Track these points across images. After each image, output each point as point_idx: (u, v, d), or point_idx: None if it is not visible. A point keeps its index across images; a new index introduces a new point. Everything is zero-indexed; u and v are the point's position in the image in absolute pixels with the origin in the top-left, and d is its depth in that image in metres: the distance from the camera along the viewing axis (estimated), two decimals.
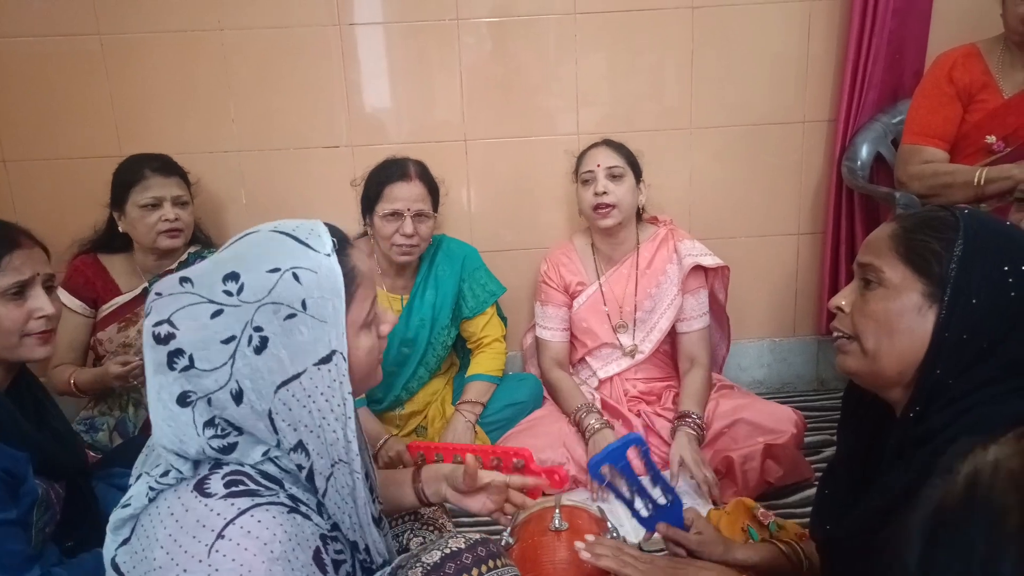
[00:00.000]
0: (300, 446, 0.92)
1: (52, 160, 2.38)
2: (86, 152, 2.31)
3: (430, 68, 2.41)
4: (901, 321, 0.96)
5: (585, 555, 1.14)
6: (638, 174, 2.21)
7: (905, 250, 0.97)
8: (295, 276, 0.90)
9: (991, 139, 1.99)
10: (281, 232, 0.95)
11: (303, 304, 0.90)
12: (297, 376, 0.90)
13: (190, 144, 2.39)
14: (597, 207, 2.14)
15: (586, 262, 2.31)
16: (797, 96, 2.46)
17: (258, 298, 0.89)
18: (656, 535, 1.34)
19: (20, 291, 1.31)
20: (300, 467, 0.93)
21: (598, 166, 2.15)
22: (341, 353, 0.93)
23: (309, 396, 0.91)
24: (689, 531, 1.31)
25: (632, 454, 1.31)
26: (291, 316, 0.89)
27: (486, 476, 1.23)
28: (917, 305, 0.95)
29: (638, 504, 1.34)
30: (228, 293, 0.90)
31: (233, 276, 0.90)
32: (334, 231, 0.98)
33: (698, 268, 2.20)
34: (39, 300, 1.34)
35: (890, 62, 2.32)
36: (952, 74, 2.04)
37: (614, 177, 2.15)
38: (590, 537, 1.20)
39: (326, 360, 0.92)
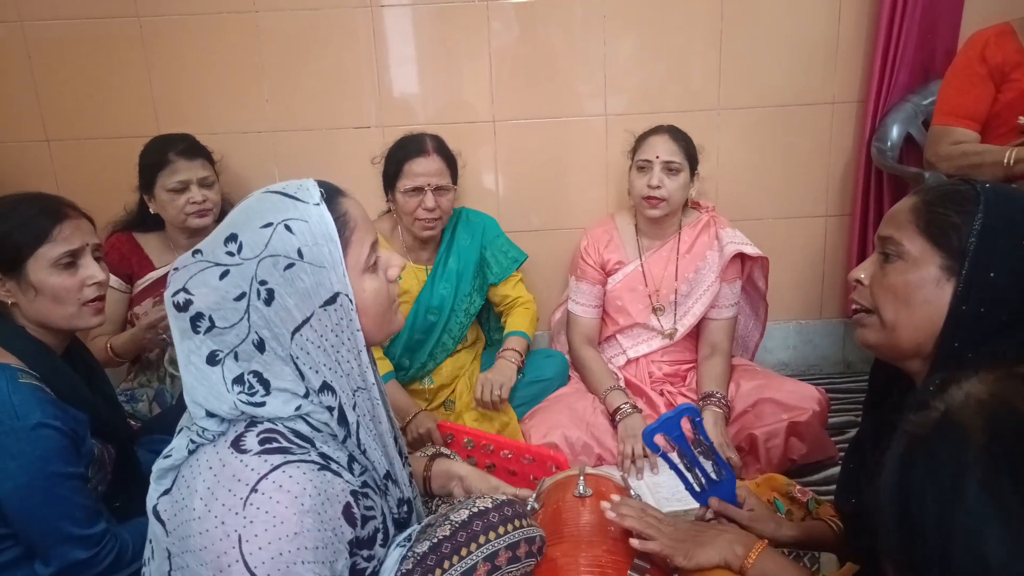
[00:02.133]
0: (325, 386, 0.98)
1: (93, 139, 2.46)
2: (125, 131, 2.37)
3: (459, 49, 2.44)
4: (919, 294, 0.97)
5: (610, 514, 1.17)
6: (694, 167, 2.19)
7: (925, 223, 0.98)
8: (287, 227, 0.96)
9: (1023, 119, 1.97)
10: (271, 191, 1.01)
11: (299, 253, 0.95)
12: (307, 320, 0.96)
13: (225, 124, 2.45)
14: (648, 198, 2.15)
15: (627, 240, 2.31)
16: (826, 77, 2.45)
17: (256, 254, 0.95)
18: (709, 510, 1.35)
19: (72, 260, 1.37)
20: (331, 409, 0.99)
21: (656, 157, 2.13)
22: (345, 294, 0.98)
23: (322, 336, 0.97)
24: (742, 507, 1.33)
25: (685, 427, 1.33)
26: (290, 266, 0.95)
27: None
28: (935, 278, 0.96)
29: (691, 477, 1.36)
30: (230, 254, 0.96)
31: (232, 237, 0.96)
32: (323, 184, 1.03)
33: (736, 258, 2.20)
34: (90, 268, 1.40)
35: (922, 42, 2.31)
36: (985, 53, 2.01)
37: (670, 171, 2.13)
38: (616, 497, 1.23)
39: (331, 301, 0.97)
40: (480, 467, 1.99)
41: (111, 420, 1.47)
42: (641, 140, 2.22)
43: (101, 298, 1.43)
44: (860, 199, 2.46)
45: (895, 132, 2.34)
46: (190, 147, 2.16)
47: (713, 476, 1.35)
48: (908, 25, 2.28)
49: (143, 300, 2.20)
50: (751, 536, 1.17)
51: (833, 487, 1.94)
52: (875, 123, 2.38)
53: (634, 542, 1.15)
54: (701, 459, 1.34)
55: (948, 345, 0.96)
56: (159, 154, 2.13)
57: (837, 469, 2.04)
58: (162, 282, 2.19)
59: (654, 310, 2.27)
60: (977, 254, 0.93)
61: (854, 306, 1.08)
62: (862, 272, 1.06)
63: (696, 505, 1.40)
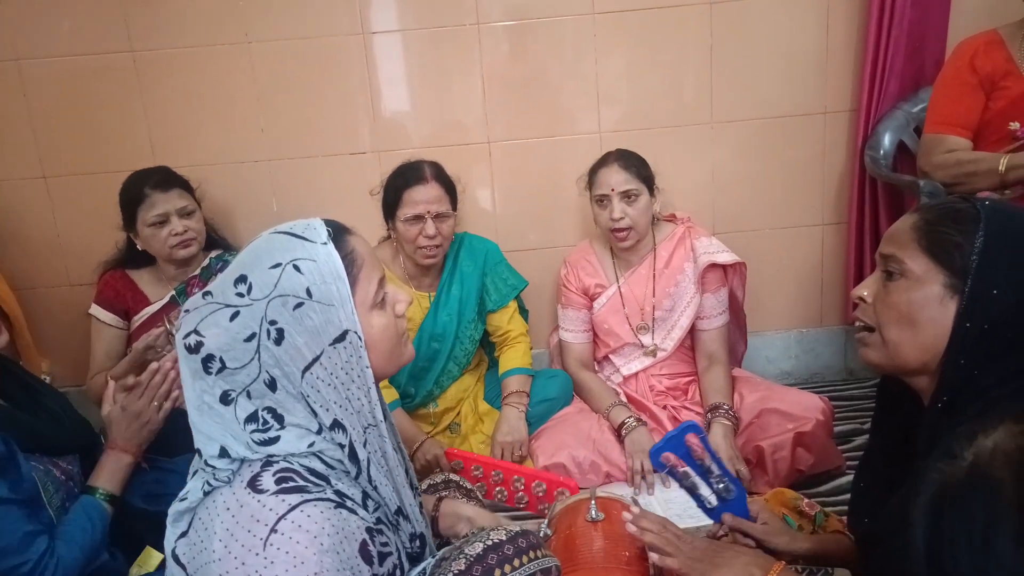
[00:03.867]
0: (336, 424, 0.99)
1: (90, 175, 2.46)
2: (122, 166, 2.36)
3: (452, 72, 2.45)
4: (923, 312, 0.98)
5: (631, 528, 1.17)
6: (651, 186, 2.20)
7: (927, 242, 0.99)
8: (296, 267, 0.97)
9: (1015, 126, 1.98)
10: (279, 232, 1.02)
11: (308, 292, 0.96)
12: (317, 358, 0.97)
13: (222, 154, 2.46)
14: (615, 231, 2.16)
15: (605, 264, 2.33)
16: (818, 87, 2.47)
17: (266, 294, 0.96)
18: (722, 526, 1.35)
19: None
20: (341, 446, 1.00)
21: (612, 190, 2.14)
22: (354, 331, 0.99)
23: (331, 374, 0.98)
24: (755, 521, 1.33)
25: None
26: (299, 305, 0.96)
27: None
28: (939, 296, 0.97)
29: (703, 492, 1.36)
30: (240, 295, 0.97)
31: (242, 279, 0.98)
32: (330, 223, 1.04)
33: (717, 267, 2.20)
34: None
35: (910, 51, 2.32)
36: (974, 62, 2.03)
37: (628, 198, 2.14)
38: (636, 509, 1.23)
39: (340, 339, 0.98)
40: (490, 493, 1.99)
41: (55, 435, 1.45)
42: (593, 174, 2.23)
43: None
44: (856, 207, 2.47)
45: (887, 140, 2.36)
46: (164, 179, 2.16)
47: (723, 492, 1.35)
48: (896, 34, 2.30)
49: (141, 335, 2.19)
50: (768, 557, 1.17)
51: (842, 497, 1.96)
52: (867, 132, 2.40)
53: (653, 557, 1.15)
54: (709, 475, 1.34)
55: (954, 362, 0.97)
56: (135, 190, 2.14)
57: (845, 479, 2.04)
58: (158, 316, 2.21)
59: (639, 329, 2.27)
60: (980, 272, 0.94)
61: (857, 323, 1.08)
62: (865, 290, 1.07)
63: (709, 521, 1.40)
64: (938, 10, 2.31)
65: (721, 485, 1.34)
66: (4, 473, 1.29)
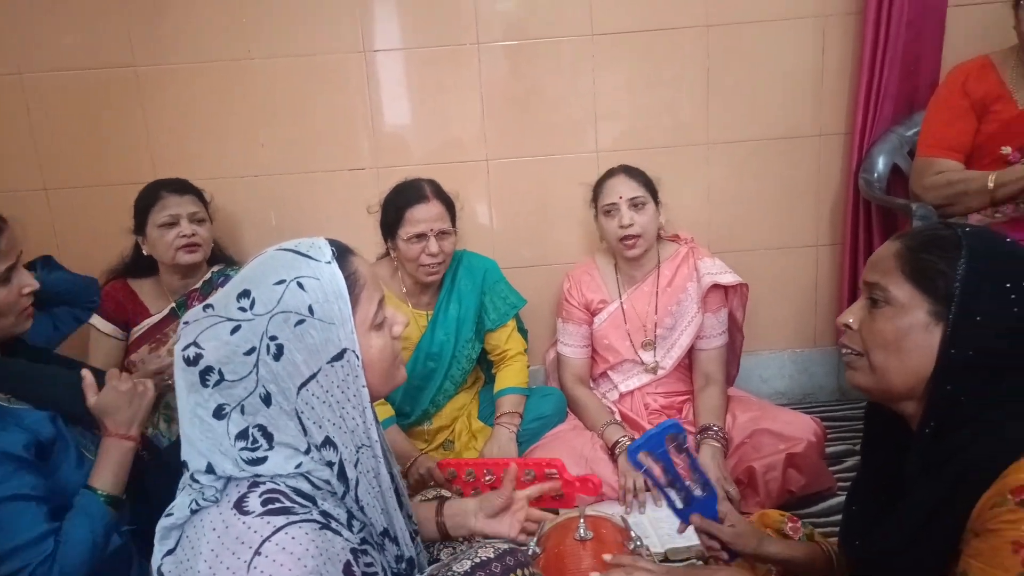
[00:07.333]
0: (328, 442, 1.00)
1: (90, 187, 2.48)
2: (122, 179, 2.39)
3: (451, 91, 2.48)
4: (908, 339, 0.99)
5: None
6: (656, 198, 2.24)
7: (910, 269, 1.00)
8: (299, 285, 0.98)
9: (1006, 150, 2.01)
10: (284, 249, 1.03)
11: (310, 309, 0.97)
12: (314, 376, 0.98)
13: (222, 169, 2.48)
14: (624, 239, 2.18)
15: (608, 280, 2.35)
16: (813, 110, 2.49)
17: (268, 310, 0.97)
18: (690, 527, 1.37)
19: (8, 274, 1.36)
20: (331, 464, 1.00)
21: (620, 198, 2.17)
22: (352, 351, 1.00)
23: (327, 392, 0.99)
24: (723, 523, 1.35)
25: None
26: (300, 322, 0.97)
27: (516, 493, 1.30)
28: (924, 323, 0.98)
29: (674, 494, 1.37)
30: (242, 309, 0.98)
31: (245, 293, 0.99)
32: (334, 242, 1.06)
33: (719, 288, 2.22)
34: (23, 276, 1.39)
35: (905, 74, 2.35)
36: (966, 86, 2.06)
37: (636, 207, 2.17)
38: (607, 557, 1.24)
39: (338, 357, 0.99)
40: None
41: (75, 407, 1.43)
42: (600, 186, 2.27)
43: (32, 304, 1.43)
44: (850, 229, 2.49)
45: (881, 163, 2.38)
46: (181, 185, 2.20)
47: (696, 493, 1.37)
48: (891, 57, 2.32)
49: (139, 347, 2.21)
50: (743, 572, 1.18)
51: (833, 518, 1.97)
52: (861, 155, 2.42)
53: None
54: (683, 477, 1.36)
55: (941, 388, 0.97)
56: (151, 192, 2.17)
57: (836, 500, 2.04)
58: (158, 328, 2.21)
59: (641, 346, 2.29)
60: (963, 299, 0.95)
61: (844, 350, 1.09)
62: (851, 316, 1.08)
63: (697, 541, 1.41)
64: (932, 33, 2.33)
65: (690, 484, 1.36)
66: (38, 464, 1.30)
